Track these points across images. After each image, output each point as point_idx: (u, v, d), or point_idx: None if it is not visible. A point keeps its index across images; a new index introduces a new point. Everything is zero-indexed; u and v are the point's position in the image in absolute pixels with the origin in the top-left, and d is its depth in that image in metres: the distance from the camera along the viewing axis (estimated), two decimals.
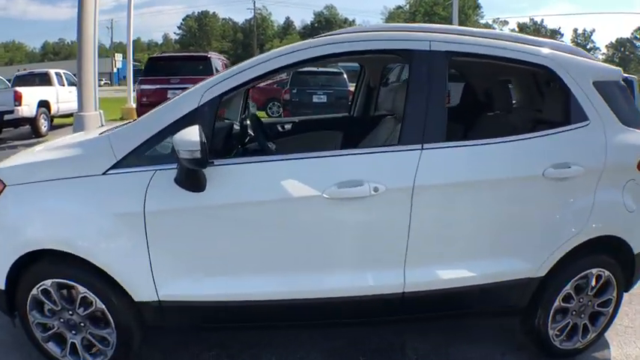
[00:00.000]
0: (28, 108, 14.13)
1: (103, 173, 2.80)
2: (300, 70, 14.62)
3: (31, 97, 14.33)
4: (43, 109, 14.93)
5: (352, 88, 14.55)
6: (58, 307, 2.91)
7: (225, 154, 3.19)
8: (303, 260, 2.87)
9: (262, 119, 5.19)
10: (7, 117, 13.77)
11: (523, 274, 3.00)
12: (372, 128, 4.31)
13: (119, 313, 2.88)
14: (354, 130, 4.75)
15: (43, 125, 14.93)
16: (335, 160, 2.86)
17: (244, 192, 2.78)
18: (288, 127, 4.82)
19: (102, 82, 54.74)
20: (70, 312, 2.92)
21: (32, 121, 14.49)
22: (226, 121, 4.17)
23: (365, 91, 4.85)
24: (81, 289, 2.85)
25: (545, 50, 3.10)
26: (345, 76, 15.26)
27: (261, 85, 20.24)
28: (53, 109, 15.62)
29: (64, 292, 2.90)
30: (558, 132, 3.01)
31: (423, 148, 2.85)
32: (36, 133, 14.47)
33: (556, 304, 3.12)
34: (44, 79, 16.18)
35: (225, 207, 2.78)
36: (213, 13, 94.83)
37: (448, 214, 2.92)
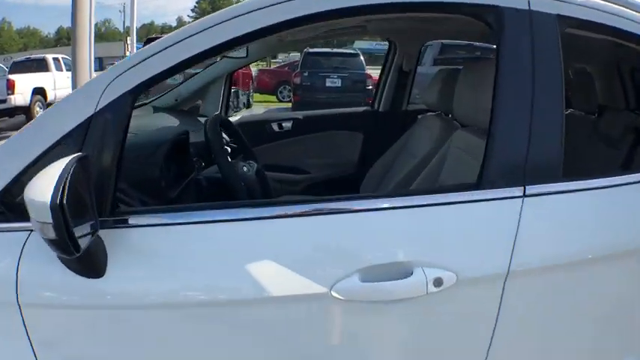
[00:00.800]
0: (21, 96, 13.27)
1: None
2: (312, 50, 13.49)
3: (24, 84, 13.45)
4: (38, 97, 13.99)
5: (370, 72, 13.59)
6: None
7: (167, 193, 1.90)
8: None
9: (252, 115, 3.90)
10: (0, 107, 12.93)
11: None
12: (405, 129, 3.09)
13: None
14: (379, 131, 3.47)
15: (38, 114, 13.89)
16: (353, 218, 1.51)
17: (176, 282, 1.46)
18: (287, 125, 3.50)
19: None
20: None
21: (26, 110, 13.52)
22: (202, 117, 2.88)
23: (395, 78, 3.47)
24: None
25: None
26: (362, 57, 13.85)
27: (272, 67, 19.11)
28: (50, 97, 14.59)
29: None
30: None
31: (525, 195, 1.51)
32: None
33: None
34: (42, 65, 15.19)
35: (143, 309, 1.47)
36: None
37: (560, 314, 1.60)
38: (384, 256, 1.43)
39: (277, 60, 23.72)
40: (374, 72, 13.17)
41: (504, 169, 1.52)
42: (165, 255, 1.45)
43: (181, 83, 3.39)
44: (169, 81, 1.91)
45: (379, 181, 3.06)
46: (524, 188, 1.50)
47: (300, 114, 3.58)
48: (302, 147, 3.49)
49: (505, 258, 1.47)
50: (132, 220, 1.45)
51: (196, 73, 3.36)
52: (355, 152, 3.49)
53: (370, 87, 12.62)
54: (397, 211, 1.48)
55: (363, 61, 13.78)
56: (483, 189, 1.49)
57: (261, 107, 14.00)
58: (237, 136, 2.25)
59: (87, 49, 8.18)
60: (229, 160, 1.87)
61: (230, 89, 3.43)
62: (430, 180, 2.28)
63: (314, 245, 1.45)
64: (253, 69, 17.03)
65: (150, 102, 3.30)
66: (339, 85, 12.92)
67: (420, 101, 3.67)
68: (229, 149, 2.91)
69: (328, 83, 12.96)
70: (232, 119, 3.48)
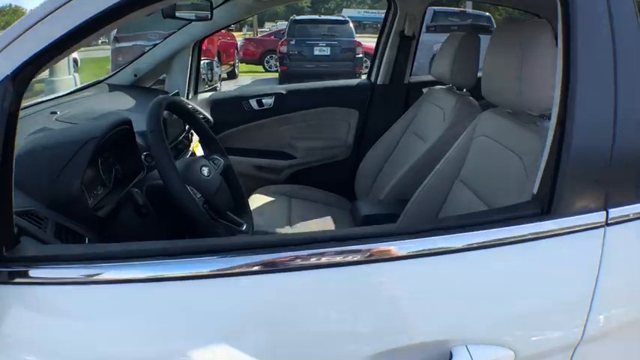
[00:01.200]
0: None
1: None
2: (299, 18, 12.93)
3: None
4: None
5: (361, 40, 12.94)
6: None
7: (95, 212, 1.36)
8: None
9: (224, 92, 3.32)
10: None
11: None
12: (407, 105, 2.71)
13: None
14: (377, 107, 2.93)
15: None
16: (359, 273, 0.93)
17: None
18: (268, 102, 2.94)
19: (100, 41, 52.58)
20: None
21: None
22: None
23: (396, 44, 2.88)
24: None
25: None
26: (351, 24, 13.16)
27: (258, 36, 18.46)
28: None
29: None
30: None
31: (608, 222, 1.00)
32: None
33: None
34: None
35: None
36: None
37: None
38: (408, 334, 0.91)
39: (264, 29, 23.04)
40: (363, 40, 12.62)
41: (581, 183, 0.99)
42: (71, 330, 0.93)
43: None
44: None
45: (379, 168, 2.55)
46: (607, 212, 0.98)
47: (283, 88, 3.01)
48: (286, 127, 2.96)
49: (580, 319, 0.97)
50: (35, 272, 0.94)
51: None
52: (349, 133, 2.96)
53: (360, 55, 12.12)
54: (427, 261, 0.94)
55: (353, 29, 13.13)
56: (553, 216, 0.97)
57: (247, 78, 13.38)
58: (196, 123, 1.69)
59: None
60: (172, 159, 1.31)
61: (199, 60, 2.86)
62: (449, 175, 1.77)
63: (299, 318, 0.92)
64: (239, 39, 16.37)
65: (105, 79, 2.75)
66: (328, 53, 12.27)
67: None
68: (190, 140, 2.36)
69: (316, 52, 12.29)
70: (204, 96, 2.94)
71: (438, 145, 2.08)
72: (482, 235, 0.95)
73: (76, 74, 8.33)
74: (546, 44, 1.33)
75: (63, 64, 7.82)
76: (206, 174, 1.47)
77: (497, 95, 1.54)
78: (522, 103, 1.39)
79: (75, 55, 10.89)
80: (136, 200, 1.39)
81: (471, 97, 2.22)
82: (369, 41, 12.77)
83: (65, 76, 7.80)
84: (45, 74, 12.57)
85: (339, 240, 0.93)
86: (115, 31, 13.47)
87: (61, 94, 2.46)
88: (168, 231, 1.46)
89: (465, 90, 2.24)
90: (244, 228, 1.51)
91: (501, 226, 0.96)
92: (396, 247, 0.92)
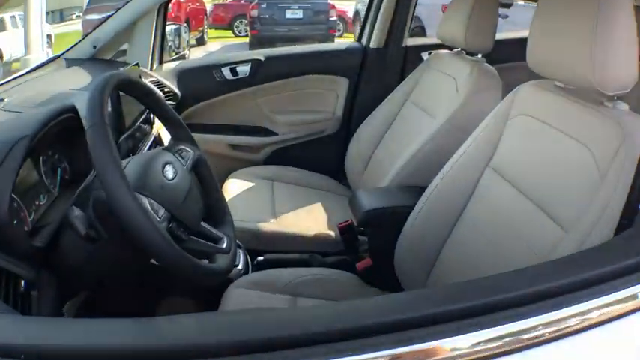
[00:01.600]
0: None
1: None
2: None
3: None
4: None
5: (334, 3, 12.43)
6: None
7: (32, 240, 0.99)
8: None
9: (193, 60, 2.88)
10: None
11: None
12: (405, 72, 2.39)
13: None
14: (370, 74, 2.55)
15: None
16: None
17: None
18: (244, 69, 2.54)
19: (74, 16, 50.99)
20: None
21: None
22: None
23: (392, 2, 2.46)
24: None
25: None
26: None
27: (228, 1, 17.80)
28: (6, 57, 13.58)
29: None
30: None
31: None
32: None
33: None
34: None
35: None
36: None
37: None
38: None
39: None
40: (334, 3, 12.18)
41: None
42: None
43: None
44: None
45: (374, 146, 2.20)
46: None
47: (260, 54, 2.60)
48: (265, 99, 2.58)
49: None
50: None
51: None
52: (338, 104, 2.60)
53: (334, 18, 11.70)
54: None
55: None
56: None
57: (216, 44, 12.86)
58: (157, 105, 1.27)
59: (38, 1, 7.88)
60: (119, 165, 0.90)
61: (164, 25, 2.44)
62: (477, 161, 1.41)
63: None
64: (208, 5, 15.85)
65: (63, 54, 2.33)
66: (301, 16, 11.80)
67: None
68: (152, 122, 1.95)
69: (288, 15, 11.81)
70: (170, 66, 2.53)
71: (453, 122, 1.74)
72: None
73: (49, 50, 8.12)
74: (629, 8, 1.01)
75: (36, 41, 7.71)
76: (170, 176, 1.08)
77: (554, 66, 1.19)
78: (594, 78, 1.04)
79: (49, 30, 10.44)
80: (77, 228, 0.99)
81: (486, 63, 1.87)
82: (340, 4, 12.31)
83: (38, 53, 7.64)
84: (22, 52, 12.27)
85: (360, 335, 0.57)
86: (86, 3, 12.88)
87: (15, 75, 2.07)
88: (131, 258, 1.09)
89: (480, 55, 1.88)
90: (225, 245, 1.14)
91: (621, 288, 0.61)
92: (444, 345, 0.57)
